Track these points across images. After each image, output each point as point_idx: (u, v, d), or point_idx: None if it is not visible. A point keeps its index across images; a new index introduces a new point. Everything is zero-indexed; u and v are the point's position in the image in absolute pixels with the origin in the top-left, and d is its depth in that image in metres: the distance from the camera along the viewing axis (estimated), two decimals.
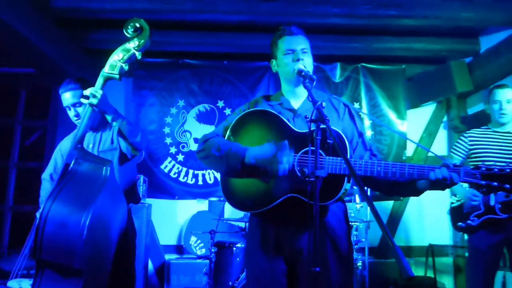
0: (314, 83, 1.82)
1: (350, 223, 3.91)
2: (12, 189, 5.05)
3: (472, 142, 3.03)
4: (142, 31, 2.04)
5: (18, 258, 4.29)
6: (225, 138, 1.93)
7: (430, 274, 4.61)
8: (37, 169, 5.04)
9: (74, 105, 2.42)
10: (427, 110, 5.35)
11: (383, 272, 4.62)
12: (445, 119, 5.36)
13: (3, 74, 4.99)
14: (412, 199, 5.06)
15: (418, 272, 5.02)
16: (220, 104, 5.09)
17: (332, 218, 1.87)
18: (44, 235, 1.67)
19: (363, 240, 4.00)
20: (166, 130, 5.03)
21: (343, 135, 1.76)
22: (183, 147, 5.05)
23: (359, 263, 3.87)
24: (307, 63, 1.92)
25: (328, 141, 1.75)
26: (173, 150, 5.03)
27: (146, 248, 4.28)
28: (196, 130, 5.06)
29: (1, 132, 5.17)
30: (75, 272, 1.70)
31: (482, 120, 2.86)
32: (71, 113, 2.46)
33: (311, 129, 1.62)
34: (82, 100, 2.11)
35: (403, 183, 1.77)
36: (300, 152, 1.79)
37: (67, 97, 2.42)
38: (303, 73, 1.84)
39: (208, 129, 5.07)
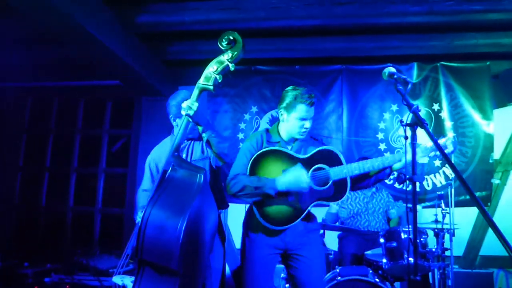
0: (409, 86, 2.00)
1: (435, 230, 3.73)
2: (101, 193, 5.46)
3: None
4: (236, 43, 2.12)
5: (108, 256, 4.63)
6: (248, 173, 2.37)
7: None
8: (122, 174, 5.40)
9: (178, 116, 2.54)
10: None
11: (470, 283, 4.33)
12: None
13: (91, 86, 5.42)
14: (502, 203, 4.70)
15: (511, 284, 4.63)
16: None
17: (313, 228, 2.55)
18: (145, 237, 1.80)
19: (449, 248, 3.77)
20: (240, 136, 5.13)
21: (335, 149, 2.40)
22: None
23: (445, 272, 3.65)
24: (310, 127, 2.44)
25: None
26: None
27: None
28: None
29: (90, 141, 5.62)
30: (172, 272, 1.80)
31: None
32: (175, 123, 2.59)
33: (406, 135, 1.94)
34: (182, 111, 2.21)
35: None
36: (312, 170, 2.34)
37: (174, 106, 2.57)
38: (395, 76, 2.00)
39: None
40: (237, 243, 4.89)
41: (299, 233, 2.42)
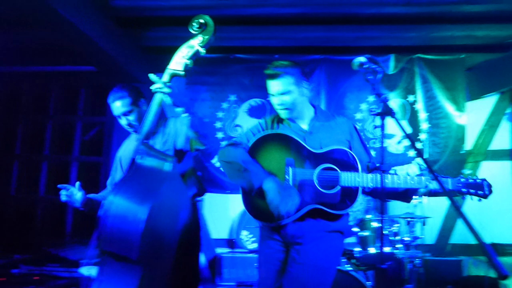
0: (380, 75, 1.91)
1: (407, 219, 3.81)
2: (74, 182, 5.31)
3: None
4: (207, 27, 2.06)
5: (80, 247, 4.53)
6: (249, 149, 2.13)
7: (491, 274, 4.39)
8: (96, 163, 5.28)
9: (125, 114, 2.41)
10: (489, 102, 5.06)
11: (440, 270, 4.45)
12: (508, 110, 5.05)
13: (64, 72, 5.25)
14: None
15: (479, 271, 4.80)
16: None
17: (334, 228, 2.13)
18: (105, 227, 1.74)
19: (422, 236, 3.86)
20: (218, 124, 5.09)
21: (353, 154, 2.09)
22: None
23: (416, 260, 3.74)
24: (288, 103, 2.13)
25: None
26: (224, 144, 5.08)
27: None
28: (247, 124, 5.07)
29: (63, 128, 5.46)
30: (133, 263, 1.76)
31: None
32: (122, 122, 2.46)
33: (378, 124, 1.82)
34: (152, 87, 2.11)
35: (405, 191, 2.13)
36: (319, 169, 2.05)
37: (117, 106, 2.40)
38: (365, 66, 1.92)
39: None
40: (213, 233, 4.89)
41: None
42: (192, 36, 2.09)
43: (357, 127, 2.29)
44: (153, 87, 2.09)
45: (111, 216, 1.75)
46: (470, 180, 2.04)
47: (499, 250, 4.41)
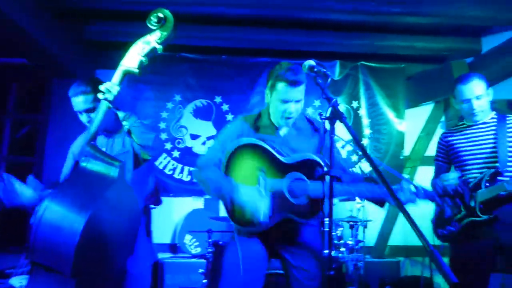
0: (329, 80, 1.91)
1: (350, 222, 3.89)
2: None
3: (448, 143, 2.66)
4: (166, 23, 1.91)
5: (8, 256, 4.16)
6: (224, 163, 2.13)
7: (426, 274, 4.59)
8: (28, 164, 4.89)
9: (87, 110, 2.27)
10: (425, 110, 5.33)
11: (379, 271, 4.60)
12: (443, 119, 5.34)
13: None
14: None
15: (415, 271, 5.01)
16: (218, 99, 4.99)
17: (309, 234, 2.19)
18: (36, 236, 1.57)
19: (364, 240, 3.95)
20: (162, 125, 4.91)
21: (318, 160, 2.09)
22: (178, 143, 4.94)
23: (359, 263, 3.82)
24: (296, 112, 2.13)
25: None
26: (168, 146, 4.92)
27: None
28: (192, 125, 4.96)
29: None
30: (67, 278, 1.60)
31: None
32: (83, 118, 2.32)
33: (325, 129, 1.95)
34: (99, 95, 1.97)
35: (379, 199, 2.13)
36: (289, 180, 2.08)
37: (78, 101, 2.27)
38: (315, 69, 1.91)
39: (205, 125, 4.97)
40: (155, 238, 4.69)
41: None
42: (146, 32, 1.95)
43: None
44: (102, 88, 1.94)
45: (44, 225, 1.58)
46: (449, 190, 2.26)
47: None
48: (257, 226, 2.05)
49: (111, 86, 1.92)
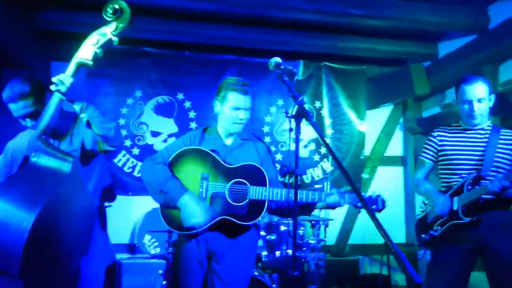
0: (296, 78, 1.93)
1: (312, 221, 3.91)
2: None
3: (441, 142, 2.62)
4: (123, 14, 1.86)
5: None
6: (169, 163, 2.23)
7: (384, 271, 4.72)
8: None
9: (28, 115, 2.13)
10: (385, 111, 5.47)
11: (339, 269, 4.67)
12: (401, 120, 5.50)
13: None
14: None
15: (374, 269, 5.13)
16: (180, 96, 4.89)
17: (246, 238, 2.29)
18: None
19: (325, 239, 3.99)
20: (121, 121, 4.75)
21: (263, 170, 2.21)
22: (138, 140, 4.80)
23: (320, 262, 3.86)
24: (245, 119, 2.29)
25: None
26: (127, 143, 4.76)
27: None
28: (153, 122, 4.83)
29: None
30: (15, 277, 1.52)
31: (436, 123, 2.72)
32: (27, 124, 2.19)
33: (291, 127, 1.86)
34: (51, 87, 1.88)
35: (306, 205, 2.24)
36: (231, 183, 2.19)
37: (17, 107, 2.11)
38: (281, 67, 1.94)
39: (166, 122, 4.85)
40: (112, 238, 4.53)
41: None
42: (105, 22, 1.88)
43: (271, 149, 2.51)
44: (55, 79, 1.84)
45: None
46: (366, 196, 2.21)
47: (390, 250, 4.73)
48: (197, 225, 2.12)
49: (64, 78, 1.86)
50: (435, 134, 2.67)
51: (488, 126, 2.56)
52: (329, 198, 2.20)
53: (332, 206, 2.22)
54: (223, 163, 2.24)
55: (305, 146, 4.99)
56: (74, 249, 1.85)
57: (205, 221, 2.12)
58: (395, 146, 5.50)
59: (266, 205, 2.19)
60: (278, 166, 2.47)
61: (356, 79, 5.23)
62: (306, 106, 5.52)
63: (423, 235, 2.59)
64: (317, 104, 5.15)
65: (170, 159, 2.23)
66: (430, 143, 2.68)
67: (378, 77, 5.28)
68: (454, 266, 2.46)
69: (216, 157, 2.24)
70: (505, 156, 2.47)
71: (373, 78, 5.30)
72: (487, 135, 2.52)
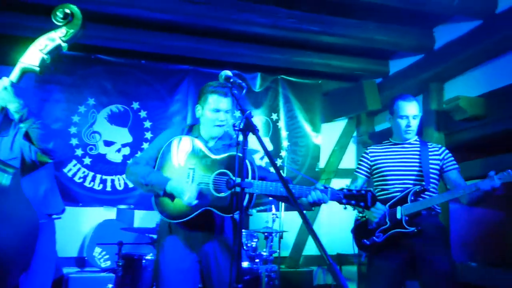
0: (244, 91, 2.02)
1: (265, 233, 3.93)
2: None
3: (373, 158, 2.81)
4: (74, 19, 1.80)
5: None
6: (155, 158, 2.30)
7: None
8: None
9: None
10: (339, 125, 5.63)
11: (293, 281, 4.70)
12: (355, 134, 5.68)
13: None
14: (323, 209, 5.24)
15: (327, 280, 5.21)
16: (135, 105, 4.80)
17: (228, 228, 2.33)
18: None
19: (278, 251, 4.01)
20: (73, 130, 4.59)
21: (247, 162, 2.13)
22: (91, 149, 4.65)
23: (273, 274, 3.86)
24: (227, 121, 2.31)
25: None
26: (79, 152, 4.61)
27: None
28: (106, 131, 4.70)
29: None
30: None
31: (388, 137, 2.91)
32: None
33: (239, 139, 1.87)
34: None
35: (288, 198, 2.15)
36: (215, 174, 2.19)
37: None
38: (231, 80, 1.99)
39: (121, 131, 4.74)
40: (60, 251, 4.34)
41: None
42: (54, 27, 1.81)
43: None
44: None
45: None
46: (354, 192, 2.01)
47: (343, 260, 4.83)
48: (184, 214, 2.15)
49: (8, 85, 1.78)
50: (368, 151, 2.90)
51: (415, 140, 2.77)
52: (312, 194, 2.05)
53: (317, 203, 2.08)
54: (210, 154, 2.26)
55: (261, 158, 5.03)
56: (12, 266, 1.76)
57: (193, 200, 2.12)
58: (349, 159, 5.65)
59: (247, 198, 2.14)
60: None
61: (312, 93, 5.35)
62: (263, 118, 5.60)
63: (364, 240, 2.69)
64: (274, 116, 5.22)
65: (157, 154, 2.29)
66: (363, 159, 2.89)
67: (333, 91, 5.44)
68: (392, 273, 2.58)
69: (204, 146, 2.28)
70: (435, 167, 2.68)
71: (329, 93, 5.45)
72: (417, 149, 2.72)
